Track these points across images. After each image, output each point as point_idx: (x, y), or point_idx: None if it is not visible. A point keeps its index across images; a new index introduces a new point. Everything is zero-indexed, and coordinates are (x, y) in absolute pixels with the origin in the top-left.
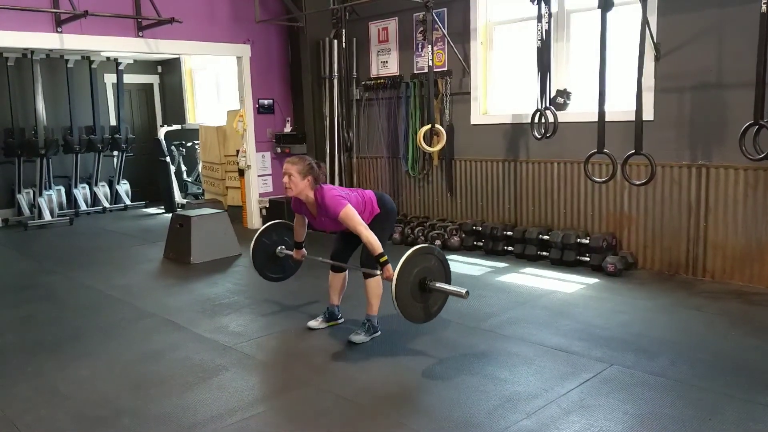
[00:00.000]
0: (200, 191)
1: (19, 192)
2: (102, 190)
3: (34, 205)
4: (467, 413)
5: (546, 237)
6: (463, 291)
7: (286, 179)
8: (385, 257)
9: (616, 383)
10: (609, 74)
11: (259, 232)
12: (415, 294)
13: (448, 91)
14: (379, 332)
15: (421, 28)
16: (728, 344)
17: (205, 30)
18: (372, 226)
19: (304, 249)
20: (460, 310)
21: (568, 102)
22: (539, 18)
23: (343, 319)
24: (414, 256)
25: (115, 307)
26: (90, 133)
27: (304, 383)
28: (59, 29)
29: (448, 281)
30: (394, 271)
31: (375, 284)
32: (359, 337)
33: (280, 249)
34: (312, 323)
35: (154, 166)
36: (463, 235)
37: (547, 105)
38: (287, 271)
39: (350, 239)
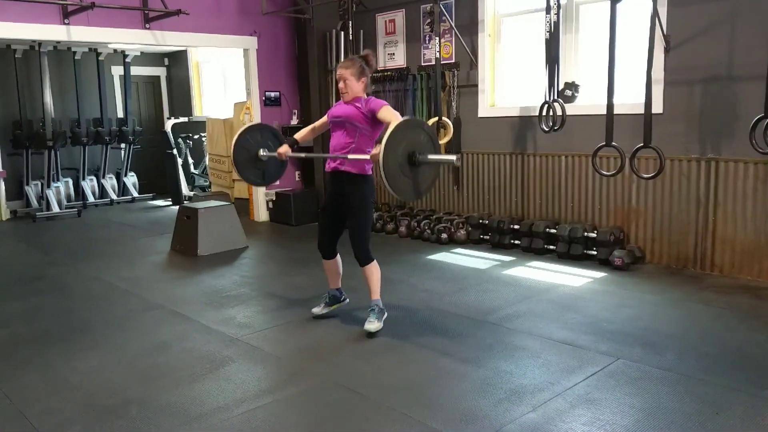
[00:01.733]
0: (207, 184)
1: (28, 184)
2: (109, 182)
3: (42, 197)
4: (473, 406)
5: (553, 230)
6: (454, 157)
7: (342, 84)
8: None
9: (622, 377)
10: (618, 66)
11: (243, 128)
12: (404, 169)
13: (456, 84)
14: (386, 314)
15: (429, 20)
16: (736, 339)
17: (212, 22)
18: (364, 202)
19: (290, 149)
20: (466, 303)
21: (576, 94)
22: (548, 9)
23: (347, 300)
24: (401, 128)
25: (123, 299)
26: (97, 126)
27: (310, 375)
28: (66, 21)
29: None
30: (381, 144)
31: (371, 270)
32: (374, 325)
33: (263, 152)
34: (315, 310)
35: (161, 159)
36: (470, 229)
37: (555, 98)
38: (266, 178)
39: (334, 225)
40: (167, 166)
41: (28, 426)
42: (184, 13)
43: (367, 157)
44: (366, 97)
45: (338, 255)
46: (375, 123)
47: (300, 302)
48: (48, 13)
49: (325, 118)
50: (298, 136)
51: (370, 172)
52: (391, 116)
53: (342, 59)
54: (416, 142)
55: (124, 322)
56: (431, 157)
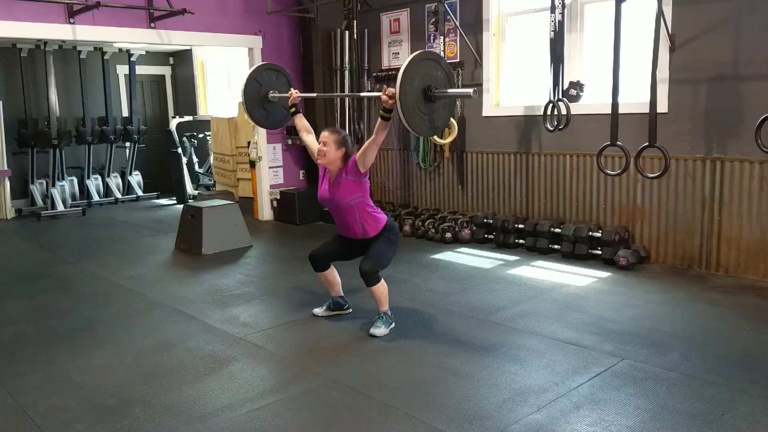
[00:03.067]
0: (211, 182)
1: (33, 182)
2: (114, 181)
3: (47, 196)
4: (477, 406)
5: (558, 230)
6: (470, 91)
7: (321, 146)
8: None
9: (627, 377)
10: (623, 66)
11: (261, 64)
12: (420, 104)
13: (460, 83)
14: (394, 323)
15: (433, 19)
16: (741, 339)
17: (217, 21)
18: (387, 238)
19: (298, 96)
20: (471, 303)
21: (581, 94)
22: (552, 8)
23: (350, 309)
24: (418, 60)
25: (127, 298)
26: (102, 124)
27: (313, 374)
28: (72, 20)
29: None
30: (397, 79)
31: (379, 288)
32: (380, 330)
33: (273, 93)
34: (317, 310)
35: (166, 158)
36: (474, 228)
37: (560, 97)
38: (269, 121)
39: (341, 251)
40: (172, 165)
41: (31, 424)
42: (189, 12)
43: (381, 93)
44: (342, 162)
45: (332, 265)
46: (358, 173)
47: (304, 301)
48: (53, 12)
49: (315, 147)
50: (301, 118)
51: (385, 220)
52: (369, 141)
53: (346, 59)
54: (432, 76)
55: (128, 320)
56: (448, 91)
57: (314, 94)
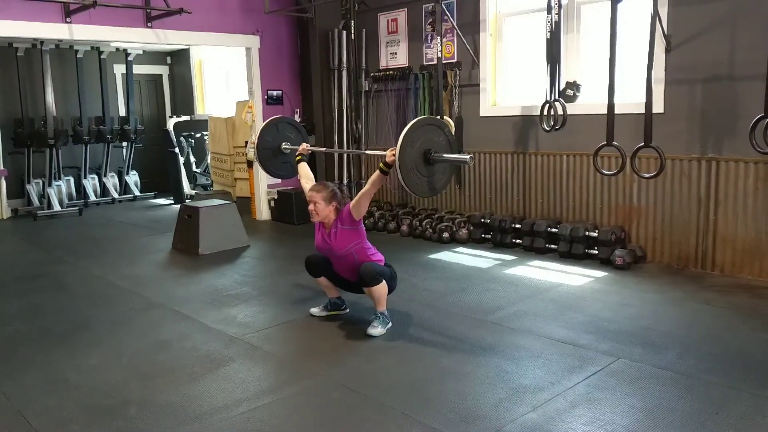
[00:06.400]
0: (209, 182)
1: (29, 182)
2: (111, 181)
3: (43, 196)
4: (473, 405)
5: (554, 230)
6: (467, 157)
7: (311, 206)
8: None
9: (623, 377)
10: (619, 66)
11: (285, 117)
12: (419, 166)
13: (458, 83)
14: (390, 323)
15: (431, 20)
16: (737, 338)
17: (215, 20)
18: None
19: (308, 149)
20: (468, 303)
21: (577, 94)
22: (549, 9)
23: (348, 309)
24: (421, 124)
25: (124, 297)
26: (99, 124)
27: (310, 374)
28: (68, 19)
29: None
30: (398, 141)
31: (379, 289)
32: (377, 330)
33: (285, 145)
34: (314, 310)
35: (163, 157)
36: (471, 228)
37: (557, 97)
38: (272, 169)
39: (333, 273)
40: (169, 165)
41: (26, 425)
42: (186, 11)
43: (385, 152)
44: (335, 214)
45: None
46: (353, 221)
47: (301, 301)
48: (50, 11)
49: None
50: (304, 166)
51: (383, 260)
52: (363, 191)
53: (344, 59)
54: (434, 141)
55: (125, 320)
56: (445, 155)
57: (322, 149)
